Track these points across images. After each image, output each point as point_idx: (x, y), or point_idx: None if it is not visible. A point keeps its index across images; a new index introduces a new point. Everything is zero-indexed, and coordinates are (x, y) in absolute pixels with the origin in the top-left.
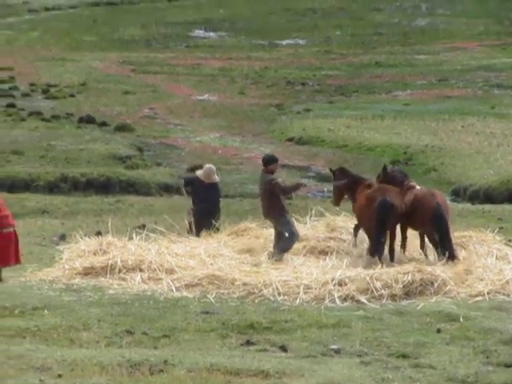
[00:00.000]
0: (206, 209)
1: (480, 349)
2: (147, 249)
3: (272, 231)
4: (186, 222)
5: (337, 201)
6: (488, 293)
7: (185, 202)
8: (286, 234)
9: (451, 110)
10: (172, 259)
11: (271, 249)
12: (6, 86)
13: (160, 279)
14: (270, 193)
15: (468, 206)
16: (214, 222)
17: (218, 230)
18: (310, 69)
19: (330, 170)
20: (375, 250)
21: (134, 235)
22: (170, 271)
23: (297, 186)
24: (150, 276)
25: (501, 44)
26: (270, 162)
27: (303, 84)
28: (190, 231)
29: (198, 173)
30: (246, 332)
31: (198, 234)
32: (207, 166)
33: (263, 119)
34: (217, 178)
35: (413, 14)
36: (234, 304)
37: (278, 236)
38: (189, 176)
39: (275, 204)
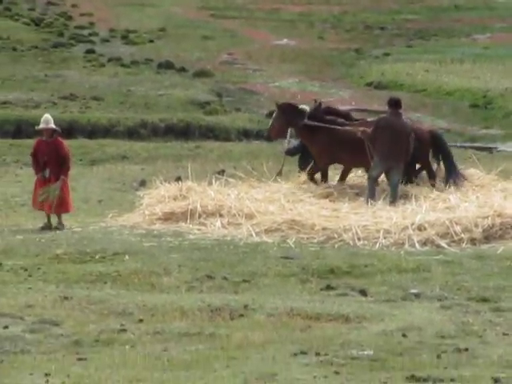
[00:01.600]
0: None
1: None
2: (227, 194)
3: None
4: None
5: None
6: None
7: (264, 146)
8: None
9: None
10: (251, 204)
11: (351, 194)
12: (85, 32)
13: (240, 224)
14: (408, 136)
15: None
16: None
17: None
18: (388, 13)
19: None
20: None
21: (213, 180)
22: (250, 216)
23: None
24: (229, 221)
25: None
26: (400, 104)
27: (382, 28)
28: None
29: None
30: (325, 277)
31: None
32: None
33: (342, 64)
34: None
35: None
36: (314, 249)
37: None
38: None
39: (408, 149)
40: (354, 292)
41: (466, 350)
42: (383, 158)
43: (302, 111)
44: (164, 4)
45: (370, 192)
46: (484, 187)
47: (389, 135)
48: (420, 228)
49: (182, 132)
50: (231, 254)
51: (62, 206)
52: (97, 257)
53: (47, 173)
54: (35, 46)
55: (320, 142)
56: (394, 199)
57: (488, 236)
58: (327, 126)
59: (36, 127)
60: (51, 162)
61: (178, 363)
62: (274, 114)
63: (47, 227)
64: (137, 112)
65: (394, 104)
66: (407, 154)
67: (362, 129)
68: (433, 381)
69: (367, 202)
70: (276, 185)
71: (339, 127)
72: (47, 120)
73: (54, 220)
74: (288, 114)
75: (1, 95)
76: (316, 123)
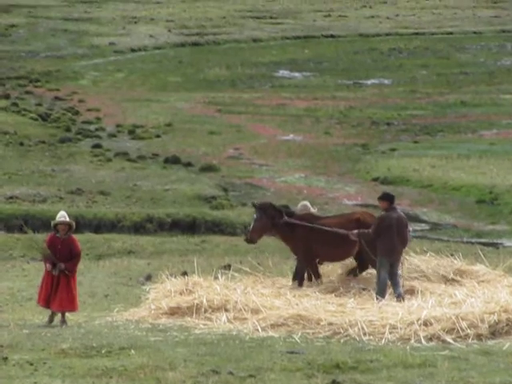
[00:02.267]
0: None
1: None
2: (233, 289)
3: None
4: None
5: None
6: None
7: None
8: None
9: None
10: (257, 299)
11: (355, 287)
12: (92, 127)
13: (245, 319)
14: (407, 229)
15: None
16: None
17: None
18: (395, 108)
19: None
20: None
21: (219, 275)
22: (256, 311)
23: None
24: (235, 316)
25: None
26: (394, 198)
27: (388, 124)
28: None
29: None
30: (331, 372)
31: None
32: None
33: (348, 159)
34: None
35: (498, 53)
36: (320, 344)
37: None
38: None
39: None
40: None
41: None
42: (388, 254)
43: (280, 210)
44: (170, 100)
45: (383, 292)
46: (490, 283)
47: (393, 231)
48: (426, 323)
49: (188, 227)
50: (237, 348)
51: (70, 303)
52: (103, 351)
53: (57, 270)
54: (42, 140)
55: (302, 239)
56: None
57: (494, 332)
58: (306, 223)
59: (53, 222)
60: (63, 260)
61: None
62: (255, 216)
63: (50, 321)
64: (143, 207)
65: (392, 199)
66: (405, 246)
67: (356, 231)
68: None
69: (377, 298)
70: (282, 279)
71: (317, 223)
72: (64, 215)
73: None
74: (269, 213)
75: (8, 190)
76: (296, 221)
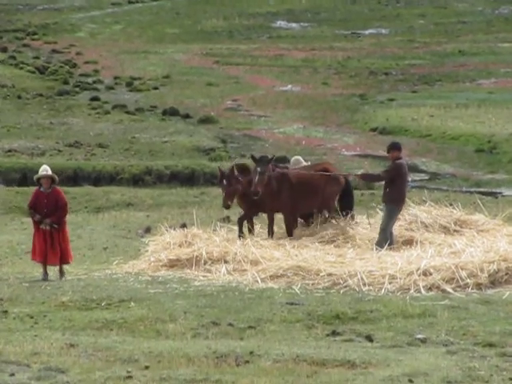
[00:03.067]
0: None
1: None
2: (232, 240)
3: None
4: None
5: None
6: None
7: None
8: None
9: None
10: (257, 250)
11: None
12: (90, 80)
13: (245, 270)
14: None
15: None
16: None
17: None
18: (392, 58)
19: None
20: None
21: (218, 227)
22: (255, 262)
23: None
24: (235, 267)
25: None
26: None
27: (386, 73)
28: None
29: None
30: (331, 322)
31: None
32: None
33: (346, 109)
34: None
35: (496, 2)
36: (320, 295)
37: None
38: None
39: None
40: (360, 338)
41: None
42: (401, 202)
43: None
44: (168, 51)
45: (386, 241)
46: (489, 232)
47: (405, 179)
48: (425, 273)
49: (187, 178)
50: (237, 300)
51: (64, 256)
52: (103, 304)
53: (46, 225)
54: (40, 93)
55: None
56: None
57: (494, 281)
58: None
59: (35, 176)
60: (51, 213)
61: None
62: (259, 169)
63: (46, 277)
64: (142, 159)
65: (401, 147)
66: None
67: (360, 172)
68: None
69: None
70: (280, 230)
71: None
72: (46, 168)
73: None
74: (270, 166)
75: (6, 143)
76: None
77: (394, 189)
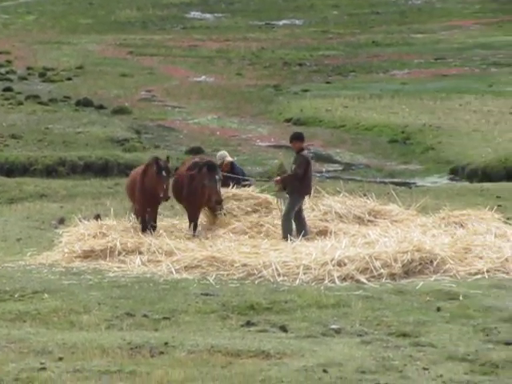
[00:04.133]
0: None
1: (480, 327)
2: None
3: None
4: None
5: None
6: (487, 271)
7: None
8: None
9: (448, 89)
10: (171, 241)
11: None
12: (2, 70)
13: (159, 261)
14: None
15: (466, 184)
16: None
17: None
18: (306, 49)
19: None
20: None
21: (132, 218)
22: (170, 253)
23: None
24: (149, 258)
25: (497, 22)
26: None
27: (300, 64)
28: None
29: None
30: (246, 313)
31: None
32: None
33: (261, 100)
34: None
35: None
36: (234, 285)
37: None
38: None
39: None
40: (275, 328)
41: None
42: (309, 192)
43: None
44: (81, 42)
45: (290, 229)
46: (403, 222)
47: (311, 169)
48: (340, 263)
49: (101, 169)
50: (151, 291)
51: None
52: (16, 295)
53: None
54: None
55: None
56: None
57: (407, 271)
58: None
59: None
60: None
61: None
62: (218, 177)
63: None
64: (55, 150)
65: (304, 138)
66: None
67: (279, 178)
68: None
69: (286, 238)
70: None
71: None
72: None
73: None
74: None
75: None
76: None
77: (305, 181)
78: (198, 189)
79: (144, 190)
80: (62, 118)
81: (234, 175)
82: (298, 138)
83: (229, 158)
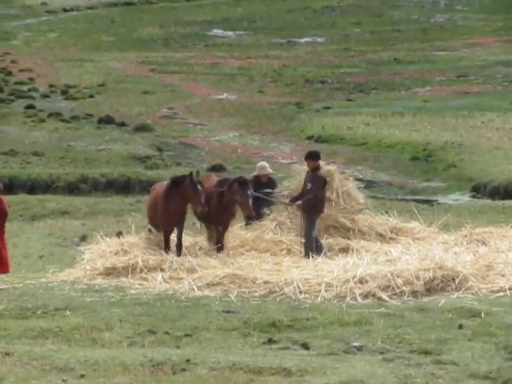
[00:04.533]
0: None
1: (502, 344)
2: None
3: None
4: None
5: None
6: (509, 288)
7: None
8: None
9: (471, 106)
10: (193, 259)
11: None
12: (25, 88)
13: (181, 278)
14: None
15: (488, 202)
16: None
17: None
18: (328, 66)
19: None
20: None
21: (147, 234)
22: (191, 270)
23: None
24: (171, 276)
25: None
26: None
27: (322, 82)
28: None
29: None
30: (267, 330)
31: None
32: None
33: (282, 117)
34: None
35: (431, 10)
36: (256, 303)
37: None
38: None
39: None
40: (296, 345)
41: None
42: (322, 211)
43: None
44: (103, 59)
45: (311, 247)
46: (425, 240)
47: (324, 189)
48: (361, 281)
49: (123, 187)
50: (173, 308)
51: (1, 265)
52: (38, 312)
53: None
54: None
55: None
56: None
57: (429, 288)
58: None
59: None
60: None
61: None
62: (250, 192)
63: None
64: (77, 167)
65: (319, 156)
66: None
67: (300, 202)
68: None
69: (308, 256)
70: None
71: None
72: None
73: None
74: None
75: None
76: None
77: (321, 200)
78: (229, 205)
79: (168, 209)
80: (84, 136)
81: (260, 194)
82: (312, 156)
83: (269, 170)
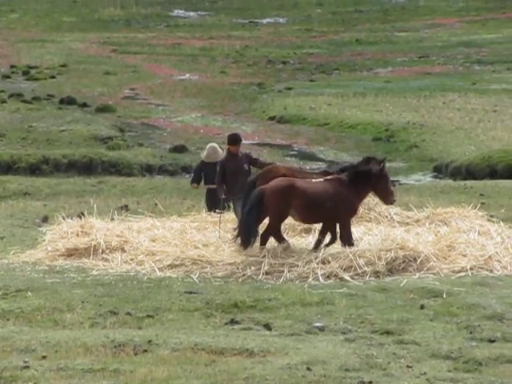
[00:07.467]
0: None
1: (463, 324)
2: (130, 229)
3: None
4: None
5: None
6: (471, 268)
7: (167, 181)
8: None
9: (432, 87)
10: (156, 238)
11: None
12: None
13: (143, 260)
14: None
15: (450, 182)
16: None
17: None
18: (290, 47)
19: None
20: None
21: (116, 216)
22: (153, 252)
23: None
24: (132, 257)
25: (481, 20)
26: None
27: (284, 62)
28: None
29: (202, 155)
30: (229, 311)
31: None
32: (209, 145)
33: (244, 98)
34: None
35: None
36: (218, 283)
37: None
38: (194, 170)
39: None
40: (259, 326)
41: (370, 382)
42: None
43: None
44: (65, 40)
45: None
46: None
47: None
48: (324, 261)
49: (85, 167)
50: (135, 289)
51: None
52: None
53: None
54: None
55: None
56: None
57: (391, 269)
58: None
59: None
60: None
61: None
62: None
63: None
64: (39, 148)
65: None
66: None
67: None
68: None
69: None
70: (180, 219)
71: None
72: None
73: None
74: None
75: None
76: None
77: None
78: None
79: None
80: (46, 117)
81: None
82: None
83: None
